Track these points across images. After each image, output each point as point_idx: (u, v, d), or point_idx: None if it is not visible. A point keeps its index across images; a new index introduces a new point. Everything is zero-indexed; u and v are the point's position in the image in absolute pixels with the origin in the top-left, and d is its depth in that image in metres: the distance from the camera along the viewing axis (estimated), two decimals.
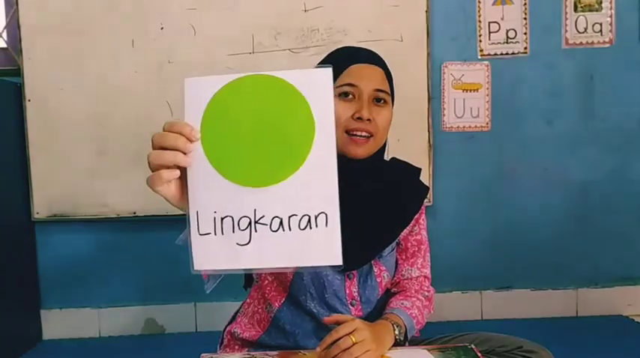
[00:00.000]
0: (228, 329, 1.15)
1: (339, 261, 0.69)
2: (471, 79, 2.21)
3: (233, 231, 0.69)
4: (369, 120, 0.97)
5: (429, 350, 0.94)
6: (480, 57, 2.21)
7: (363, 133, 0.98)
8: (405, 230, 1.11)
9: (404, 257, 1.14)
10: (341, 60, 1.00)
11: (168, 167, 0.67)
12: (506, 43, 2.20)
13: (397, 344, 0.96)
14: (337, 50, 1.08)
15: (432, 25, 2.14)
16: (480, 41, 2.20)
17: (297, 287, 1.03)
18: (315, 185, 0.68)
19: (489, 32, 2.20)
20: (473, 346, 0.96)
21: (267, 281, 1.07)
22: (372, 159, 1.02)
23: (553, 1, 2.20)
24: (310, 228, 0.68)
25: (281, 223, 0.69)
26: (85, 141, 2.09)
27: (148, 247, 2.19)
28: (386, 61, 1.06)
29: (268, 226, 0.69)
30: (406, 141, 2.07)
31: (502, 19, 2.20)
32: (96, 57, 2.07)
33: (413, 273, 1.13)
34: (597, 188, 2.27)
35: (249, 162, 0.68)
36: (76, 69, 2.07)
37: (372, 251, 1.05)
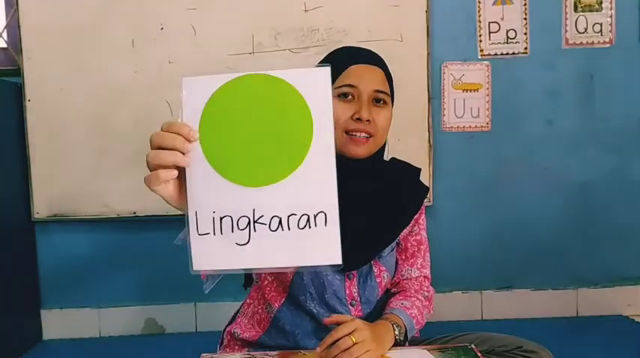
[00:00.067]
0: (228, 329, 1.15)
1: (338, 260, 0.69)
2: (471, 79, 2.21)
3: (232, 231, 0.69)
4: (368, 121, 0.98)
5: (429, 350, 0.94)
6: (480, 57, 2.21)
7: (363, 134, 0.98)
8: (405, 230, 1.11)
9: (404, 257, 1.14)
10: (340, 60, 1.00)
11: (166, 167, 0.67)
12: (507, 43, 2.20)
13: (397, 344, 0.96)
14: (337, 50, 1.08)
15: (432, 25, 2.14)
16: (480, 41, 2.20)
17: (297, 287, 1.03)
18: (314, 184, 0.68)
19: (489, 32, 2.20)
20: (473, 346, 0.96)
21: (266, 282, 1.07)
22: (371, 160, 1.02)
23: (553, 1, 2.20)
24: (309, 227, 0.68)
25: (280, 223, 0.69)
26: (85, 141, 2.09)
27: (148, 247, 2.19)
28: (386, 61, 1.06)
29: (267, 226, 0.69)
30: (406, 141, 2.07)
31: (502, 19, 2.20)
32: (96, 57, 2.07)
33: (413, 273, 1.13)
34: (597, 188, 2.27)
35: (247, 162, 0.69)
36: (76, 69, 2.07)
37: (372, 251, 1.05)
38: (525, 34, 2.20)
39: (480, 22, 2.20)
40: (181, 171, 0.69)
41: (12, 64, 2.17)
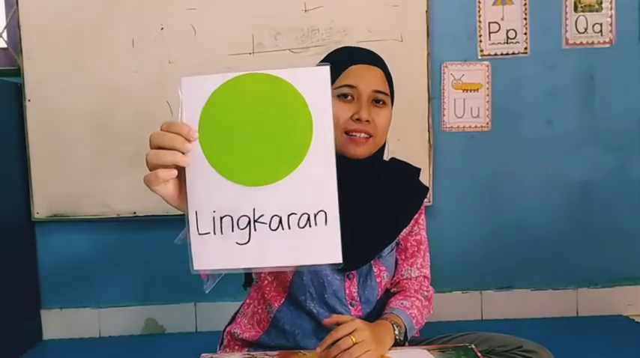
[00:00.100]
0: (228, 329, 1.15)
1: (338, 259, 0.69)
2: (471, 79, 2.21)
3: (232, 231, 0.69)
4: (367, 121, 0.98)
5: (429, 350, 0.94)
6: (480, 57, 2.21)
7: (362, 134, 0.98)
8: (405, 230, 1.11)
9: (403, 257, 1.14)
10: (340, 60, 1.00)
11: (166, 167, 0.67)
12: (507, 43, 2.20)
13: (397, 344, 0.96)
14: (337, 50, 1.08)
15: (432, 25, 2.14)
16: (480, 41, 2.20)
17: (297, 287, 1.03)
18: (314, 183, 0.68)
19: (489, 32, 2.20)
20: (473, 346, 0.96)
21: (266, 282, 1.07)
22: (371, 160, 1.02)
23: (553, 1, 2.20)
24: (310, 226, 0.68)
25: (280, 222, 0.69)
26: (85, 141, 2.09)
27: (148, 247, 2.19)
28: (386, 61, 1.06)
29: (267, 225, 0.69)
30: (406, 141, 2.07)
31: (502, 19, 2.20)
32: (96, 57, 2.07)
33: (412, 273, 1.13)
34: (597, 188, 2.27)
35: (247, 161, 0.69)
36: (76, 69, 2.07)
37: (372, 251, 1.05)
38: (525, 34, 2.20)
39: (479, 22, 2.20)
40: (181, 171, 0.69)
41: (12, 64, 2.17)
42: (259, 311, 1.10)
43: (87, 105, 2.08)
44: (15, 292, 2.04)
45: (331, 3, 2.08)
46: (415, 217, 1.12)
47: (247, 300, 1.15)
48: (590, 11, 2.20)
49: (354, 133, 0.98)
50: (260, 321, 1.09)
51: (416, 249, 1.14)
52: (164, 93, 2.05)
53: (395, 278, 1.14)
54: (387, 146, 1.08)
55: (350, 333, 0.87)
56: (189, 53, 2.07)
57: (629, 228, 2.28)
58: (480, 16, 2.20)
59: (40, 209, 2.10)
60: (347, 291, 1.04)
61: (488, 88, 2.21)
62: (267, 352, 0.99)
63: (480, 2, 2.19)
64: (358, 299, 1.05)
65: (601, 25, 2.20)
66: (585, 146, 2.26)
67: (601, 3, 2.19)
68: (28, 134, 2.08)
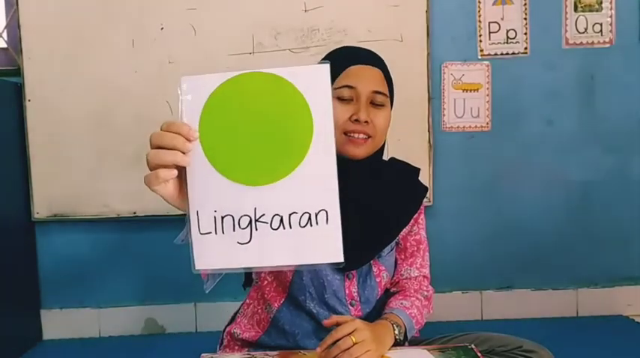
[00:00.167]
0: (227, 329, 1.15)
1: (340, 258, 0.69)
2: (471, 79, 2.21)
3: (233, 230, 0.69)
4: (366, 122, 0.97)
5: (429, 350, 0.94)
6: (480, 57, 2.21)
7: (361, 135, 0.98)
8: (404, 230, 1.11)
9: (403, 257, 1.14)
10: (339, 61, 1.00)
11: (166, 166, 0.67)
12: (507, 43, 2.20)
13: (397, 344, 0.96)
14: (336, 50, 1.07)
15: (432, 25, 2.14)
16: (480, 41, 2.20)
17: (297, 287, 1.03)
18: (315, 182, 0.68)
19: (489, 32, 2.20)
20: (473, 346, 0.96)
21: (266, 282, 1.07)
22: (370, 160, 1.02)
23: (553, 1, 2.20)
24: (311, 225, 0.68)
25: (281, 221, 0.69)
26: (85, 141, 2.09)
27: (148, 247, 2.19)
28: (386, 61, 1.06)
29: (269, 224, 0.69)
30: (406, 141, 2.07)
31: (502, 19, 2.20)
32: (96, 57, 2.07)
33: (412, 273, 1.13)
34: (597, 188, 2.27)
35: (248, 160, 0.68)
36: (76, 69, 2.07)
37: (372, 251, 1.05)
38: (525, 34, 2.20)
39: (479, 22, 2.20)
40: (181, 171, 0.69)
41: (12, 64, 2.17)
42: (259, 311, 1.10)
43: (87, 105, 2.08)
44: (15, 292, 2.04)
45: (331, 3, 2.08)
46: (415, 217, 1.12)
47: (247, 300, 1.15)
48: (590, 11, 2.20)
49: (352, 134, 0.98)
50: (260, 321, 1.09)
51: (415, 248, 1.14)
52: (164, 93, 2.05)
53: (394, 278, 1.14)
54: (386, 146, 1.08)
55: (350, 333, 0.87)
56: (189, 53, 2.07)
57: (629, 228, 2.28)
58: (479, 16, 2.20)
59: (40, 209, 2.10)
60: (347, 291, 1.04)
61: (488, 88, 2.21)
62: (267, 352, 0.99)
63: (479, 2, 2.19)
64: (358, 299, 1.05)
65: (601, 25, 2.20)
66: (585, 146, 2.26)
67: (601, 3, 2.19)
68: (28, 134, 2.08)
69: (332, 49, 1.08)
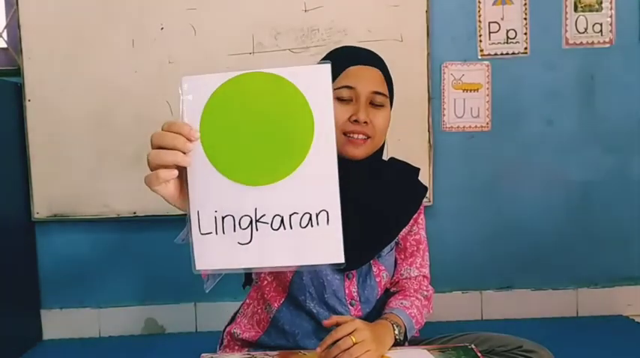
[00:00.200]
0: (227, 329, 1.15)
1: (340, 258, 0.69)
2: (471, 79, 2.21)
3: (234, 230, 0.69)
4: (365, 122, 0.97)
5: (429, 350, 0.94)
6: (480, 57, 2.21)
7: (361, 135, 0.98)
8: (404, 229, 1.11)
9: (403, 256, 1.14)
10: (339, 61, 1.00)
11: (167, 167, 0.67)
12: (507, 43, 2.20)
13: (397, 344, 0.96)
14: (335, 50, 1.07)
15: (432, 25, 2.14)
16: (480, 41, 2.20)
17: (297, 287, 1.03)
18: (316, 182, 0.68)
19: (489, 32, 2.20)
20: (473, 346, 0.96)
21: (266, 282, 1.07)
22: (370, 160, 1.02)
23: (553, 1, 2.20)
24: (311, 226, 0.68)
25: (282, 221, 0.68)
26: (85, 141, 2.09)
27: (148, 247, 2.19)
28: (386, 61, 1.05)
29: (269, 225, 0.69)
30: (406, 141, 2.07)
31: (502, 19, 2.20)
32: (96, 57, 2.07)
33: (412, 273, 1.13)
34: (597, 188, 2.27)
35: (249, 161, 0.68)
36: (76, 69, 2.07)
37: (371, 250, 1.05)
38: (525, 34, 2.20)
39: (480, 22, 2.20)
40: (182, 171, 0.69)
41: (12, 64, 2.17)
42: (259, 311, 1.10)
43: (87, 105, 2.08)
44: (15, 292, 2.04)
45: (331, 3, 2.09)
46: (414, 217, 1.12)
47: (247, 300, 1.15)
48: (590, 11, 2.20)
49: (352, 135, 0.98)
50: (260, 321, 1.09)
51: (415, 248, 1.14)
52: (164, 93, 2.05)
53: (394, 277, 1.14)
54: (386, 146, 1.08)
55: (350, 333, 0.87)
56: (189, 53, 2.07)
57: (629, 228, 2.28)
58: (480, 16, 2.20)
59: (40, 209, 2.10)
60: (347, 291, 1.04)
61: (488, 88, 2.21)
62: (267, 352, 0.99)
63: (479, 2, 2.19)
64: (358, 298, 1.05)
65: (601, 25, 2.20)
66: (585, 146, 2.26)
67: (601, 3, 2.19)
68: (28, 134, 2.08)
69: (331, 49, 1.08)
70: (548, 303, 2.27)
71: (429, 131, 2.15)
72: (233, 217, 0.69)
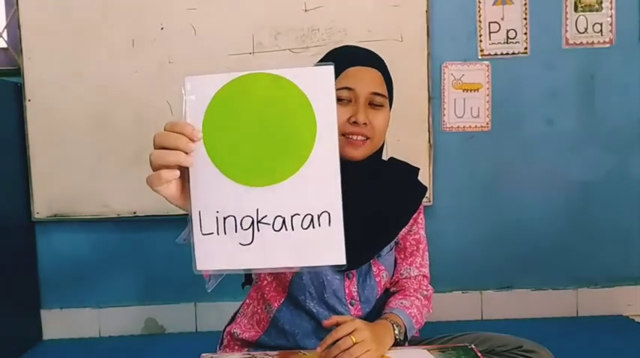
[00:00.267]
0: (227, 329, 1.15)
1: (342, 260, 0.69)
2: (471, 79, 2.21)
3: (236, 231, 0.69)
4: (365, 124, 0.97)
5: (429, 350, 0.94)
6: (480, 57, 2.21)
7: (360, 136, 0.98)
8: (404, 229, 1.11)
9: (402, 256, 1.14)
10: (338, 62, 0.99)
11: (169, 167, 0.67)
12: (507, 43, 2.20)
13: (397, 343, 0.96)
14: (335, 50, 1.07)
15: (432, 25, 2.14)
16: (480, 41, 2.20)
17: (297, 287, 1.03)
18: (318, 183, 0.68)
19: (489, 32, 2.20)
20: (473, 346, 0.96)
21: (266, 282, 1.07)
22: (369, 161, 1.02)
23: (553, 1, 2.20)
24: (313, 227, 0.68)
25: (284, 222, 0.68)
26: (85, 141, 2.09)
27: (148, 247, 2.19)
28: (386, 61, 1.05)
29: (271, 226, 0.68)
30: (406, 141, 2.07)
31: (502, 19, 2.20)
32: (96, 57, 2.07)
33: (412, 272, 1.13)
34: (597, 188, 2.27)
35: (251, 161, 0.68)
36: (76, 69, 2.07)
37: (371, 250, 1.05)
38: (525, 34, 2.20)
39: (480, 22, 2.20)
40: (184, 171, 0.69)
41: (12, 64, 2.17)
42: (259, 311, 1.10)
43: (87, 105, 2.08)
44: (15, 292, 2.04)
45: (331, 3, 2.09)
46: (414, 216, 1.12)
47: (247, 300, 1.15)
48: (590, 11, 2.20)
49: (351, 136, 0.98)
50: (260, 321, 1.09)
51: (415, 248, 1.14)
52: (164, 93, 2.05)
53: (394, 277, 1.14)
54: (385, 146, 1.08)
55: (350, 333, 0.87)
56: (189, 53, 2.07)
57: (629, 228, 2.28)
58: (480, 16, 2.20)
59: (40, 209, 2.10)
60: (346, 291, 1.04)
61: (488, 88, 2.21)
62: (267, 352, 0.99)
63: (479, 2, 2.19)
64: (358, 298, 1.05)
65: (601, 25, 2.20)
66: (585, 146, 2.26)
67: (601, 3, 2.19)
68: (28, 134, 2.08)
69: (331, 49, 1.08)
70: (548, 303, 2.27)
71: (429, 131, 2.15)
72: (235, 218, 0.69)
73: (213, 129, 0.68)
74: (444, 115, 2.22)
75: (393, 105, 1.07)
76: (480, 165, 2.25)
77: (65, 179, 2.09)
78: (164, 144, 0.67)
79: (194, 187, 0.69)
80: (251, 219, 0.69)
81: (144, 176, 0.69)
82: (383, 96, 1.01)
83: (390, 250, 1.11)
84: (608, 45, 2.22)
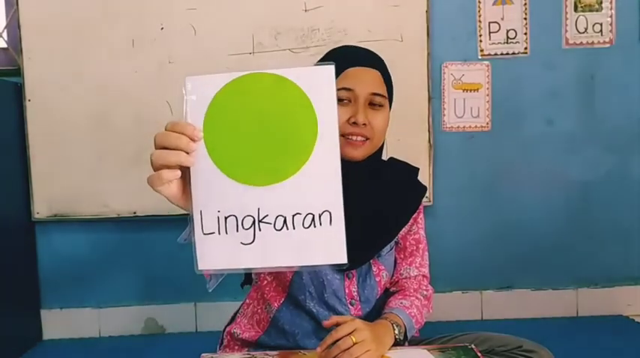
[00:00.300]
0: (227, 329, 1.15)
1: (343, 259, 0.69)
2: (471, 79, 2.21)
3: (237, 231, 0.69)
4: (364, 124, 0.97)
5: (429, 350, 0.94)
6: (480, 57, 2.21)
7: (359, 137, 0.98)
8: (404, 229, 1.11)
9: (402, 256, 1.14)
10: (338, 62, 0.99)
11: (170, 167, 0.67)
12: (507, 43, 2.20)
13: (397, 343, 0.96)
14: (334, 50, 1.07)
15: (432, 25, 2.14)
16: (480, 41, 2.20)
17: (297, 286, 1.03)
18: (319, 183, 0.68)
19: (489, 32, 2.20)
20: (473, 346, 0.96)
21: (266, 282, 1.07)
22: (369, 161, 1.02)
23: (553, 1, 2.20)
24: (314, 226, 0.68)
25: (285, 222, 0.68)
26: (85, 141, 2.09)
27: (148, 247, 2.19)
28: (386, 61, 1.05)
29: (272, 225, 0.69)
30: (406, 141, 2.07)
31: (502, 19, 2.20)
32: (96, 57, 2.07)
33: (411, 272, 1.13)
34: (597, 188, 2.27)
35: (252, 161, 0.68)
36: (76, 69, 2.07)
37: (371, 250, 1.05)
38: (525, 34, 2.20)
39: (480, 22, 2.20)
40: (185, 171, 0.69)
41: (12, 64, 2.17)
42: (259, 311, 1.10)
43: (87, 105, 2.08)
44: (15, 292, 2.04)
45: (331, 3, 2.09)
46: (414, 216, 1.12)
47: (247, 300, 1.15)
48: (590, 11, 2.20)
49: (351, 136, 0.98)
50: (260, 321, 1.09)
51: (415, 248, 1.14)
52: (164, 93, 2.05)
53: (394, 277, 1.14)
54: (385, 146, 1.08)
55: (350, 333, 0.87)
56: (189, 53, 2.07)
57: (629, 228, 2.28)
58: (480, 16, 2.20)
59: (40, 209, 2.10)
60: (346, 291, 1.04)
61: (488, 88, 2.21)
62: (267, 352, 0.99)
63: (479, 2, 2.19)
64: (358, 298, 1.05)
65: (601, 25, 2.21)
66: (585, 146, 2.26)
67: (601, 3, 2.20)
68: (28, 134, 2.08)
69: (330, 49, 1.08)
70: (548, 303, 2.27)
71: (429, 131, 2.15)
72: (236, 217, 0.69)
73: (214, 129, 0.68)
74: (443, 115, 2.22)
75: (393, 105, 1.07)
76: (479, 165, 2.25)
77: (65, 179, 2.09)
78: (165, 144, 0.67)
79: (195, 187, 0.69)
80: (252, 219, 0.69)
81: (144, 176, 0.69)
82: (383, 96, 1.01)
83: (390, 250, 1.11)
84: (608, 45, 2.22)
